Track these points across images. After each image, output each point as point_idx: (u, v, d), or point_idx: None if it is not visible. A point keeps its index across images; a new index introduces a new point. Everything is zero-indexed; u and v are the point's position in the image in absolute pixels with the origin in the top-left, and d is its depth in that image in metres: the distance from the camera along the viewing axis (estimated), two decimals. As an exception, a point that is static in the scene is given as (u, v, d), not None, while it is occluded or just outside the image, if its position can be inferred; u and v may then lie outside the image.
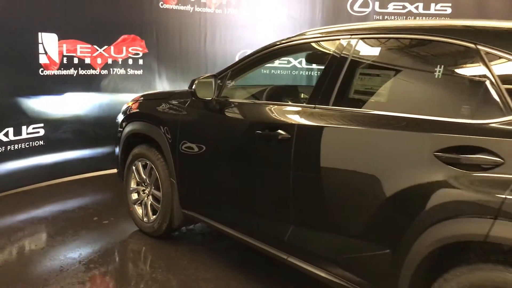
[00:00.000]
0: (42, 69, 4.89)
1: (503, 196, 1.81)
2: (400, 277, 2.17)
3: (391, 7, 6.56)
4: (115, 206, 4.50)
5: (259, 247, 2.91)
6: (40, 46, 4.84)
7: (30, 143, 4.93)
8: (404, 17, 6.49)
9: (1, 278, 3.10)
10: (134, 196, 3.97)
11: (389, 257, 2.21)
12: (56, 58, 4.99)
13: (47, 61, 4.91)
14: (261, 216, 2.92)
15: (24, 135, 4.85)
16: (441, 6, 6.38)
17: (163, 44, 5.97)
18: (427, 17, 6.43)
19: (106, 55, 5.47)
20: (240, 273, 3.30)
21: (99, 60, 5.42)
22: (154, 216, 3.75)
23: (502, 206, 1.81)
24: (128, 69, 5.72)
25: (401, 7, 6.53)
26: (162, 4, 5.89)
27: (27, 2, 4.65)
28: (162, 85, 6.02)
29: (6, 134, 4.67)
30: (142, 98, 4.05)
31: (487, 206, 1.85)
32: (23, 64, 4.72)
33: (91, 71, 5.37)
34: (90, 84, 5.37)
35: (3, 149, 4.66)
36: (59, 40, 4.98)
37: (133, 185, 3.98)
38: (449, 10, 6.36)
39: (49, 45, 4.91)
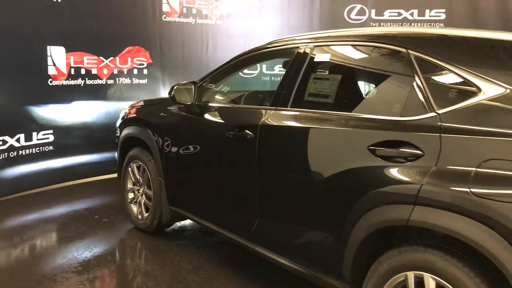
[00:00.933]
0: (51, 79, 5.28)
1: (421, 184, 2.03)
2: (344, 261, 2.40)
3: (387, 14, 6.76)
4: (116, 206, 4.82)
5: (232, 238, 3.17)
6: (49, 58, 5.24)
7: (41, 148, 5.32)
8: (398, 23, 6.68)
9: (14, 274, 3.41)
10: (130, 195, 4.28)
11: (334, 243, 2.44)
12: (64, 69, 5.38)
13: (55, 72, 5.30)
14: (233, 210, 3.18)
15: (34, 141, 5.24)
16: (435, 12, 6.55)
17: (166, 54, 6.32)
18: (422, 23, 6.60)
19: (112, 65, 5.84)
20: (221, 264, 3.56)
21: (105, 71, 5.79)
22: (147, 214, 4.05)
23: (419, 193, 2.03)
24: (134, 79, 6.07)
25: (396, 14, 6.72)
26: (165, 17, 6.24)
27: (36, 17, 5.05)
28: (167, 93, 6.33)
29: (18, 140, 5.07)
30: (137, 104, 4.37)
31: (408, 194, 2.07)
32: (33, 75, 5.12)
33: (98, 81, 5.74)
34: (96, 93, 5.75)
35: (15, 153, 5.05)
36: (66, 52, 5.37)
37: (129, 185, 4.29)
38: (443, 16, 6.52)
39: (57, 57, 5.30)
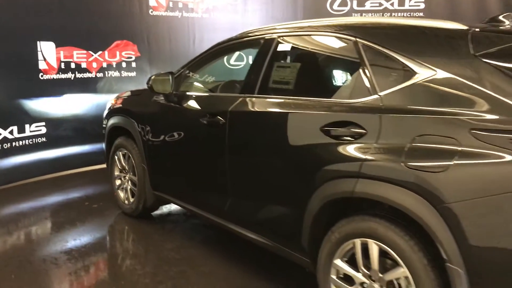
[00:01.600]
0: (42, 73, 5.49)
1: (363, 159, 2.26)
2: (302, 233, 2.63)
3: (368, 5, 6.95)
4: (105, 193, 5.03)
5: (209, 218, 3.41)
6: (39, 53, 5.45)
7: (33, 139, 5.54)
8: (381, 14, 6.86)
9: (11, 258, 3.63)
10: (117, 182, 4.51)
11: (294, 217, 2.66)
12: (54, 64, 5.59)
13: (46, 67, 5.52)
14: (208, 191, 3.41)
15: (27, 133, 5.46)
16: (415, 2, 6.73)
17: (154, 47, 6.52)
18: (402, 13, 6.79)
19: (101, 59, 6.05)
20: (202, 244, 3.80)
21: (94, 64, 6.00)
22: (133, 199, 4.28)
23: (361, 167, 2.26)
24: (122, 72, 6.28)
25: (377, 4, 6.91)
26: (152, 12, 6.45)
27: (27, 14, 5.24)
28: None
29: (11, 132, 5.29)
30: (123, 95, 4.59)
31: (353, 169, 2.30)
32: (24, 70, 5.33)
33: (88, 74, 5.95)
34: (87, 86, 5.96)
35: (8, 145, 5.27)
36: (56, 47, 5.57)
37: (116, 172, 4.52)
38: (422, 6, 6.71)
39: (47, 52, 5.51)
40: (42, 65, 5.49)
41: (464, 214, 1.92)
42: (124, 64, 6.28)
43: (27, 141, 5.48)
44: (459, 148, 1.96)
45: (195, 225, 4.24)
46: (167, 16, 6.58)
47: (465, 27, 2.27)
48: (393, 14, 6.82)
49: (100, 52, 6.03)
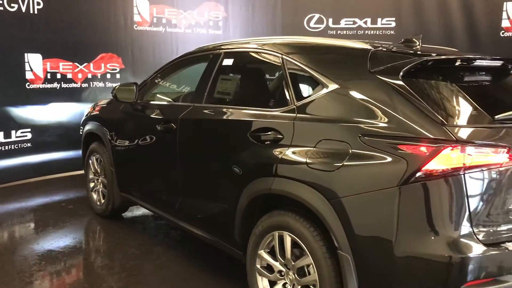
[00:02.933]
0: (29, 83, 5.87)
1: (278, 160, 2.58)
2: (235, 227, 2.94)
3: (343, 23, 7.32)
4: (83, 196, 5.35)
5: (163, 216, 3.73)
6: (27, 64, 5.83)
7: (19, 144, 5.90)
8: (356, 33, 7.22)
9: None
10: (91, 184, 4.85)
11: (229, 213, 2.98)
12: (40, 74, 5.97)
13: (32, 77, 5.89)
14: (163, 191, 3.73)
15: (13, 138, 5.83)
16: (387, 21, 7.10)
17: (138, 60, 6.90)
18: (375, 31, 7.15)
19: (86, 70, 6.43)
20: (161, 241, 4.12)
21: (79, 75, 6.38)
22: (104, 200, 4.61)
23: (277, 167, 2.59)
24: (107, 82, 6.65)
25: (352, 22, 7.28)
26: (136, 26, 6.84)
27: (15, 27, 5.63)
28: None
29: (-2, 137, 5.66)
30: (100, 103, 4.94)
31: (271, 169, 2.63)
32: (11, 79, 5.71)
33: (73, 85, 6.32)
34: (72, 95, 6.32)
35: (-5, 149, 5.64)
36: (43, 59, 5.96)
37: (90, 175, 4.86)
38: (393, 24, 7.07)
39: (34, 63, 5.90)
40: (29, 75, 5.87)
41: (350, 207, 2.24)
42: (108, 76, 6.65)
43: (13, 146, 5.84)
44: (350, 151, 2.28)
45: (159, 225, 4.55)
46: (151, 30, 6.97)
47: (368, 47, 2.61)
48: (366, 32, 7.18)
49: (85, 64, 6.41)
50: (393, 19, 7.06)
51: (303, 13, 7.38)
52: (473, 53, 2.76)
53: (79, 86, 6.39)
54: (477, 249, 2.06)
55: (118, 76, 6.74)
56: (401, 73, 2.33)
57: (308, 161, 2.43)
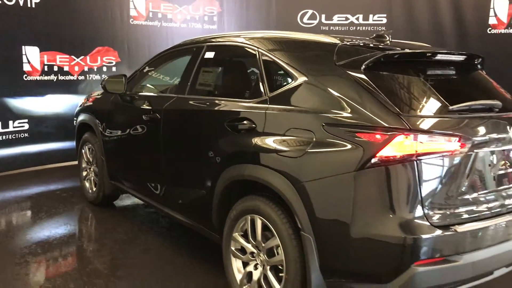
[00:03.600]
0: (26, 75, 6.04)
1: (251, 148, 2.74)
2: (212, 212, 3.10)
3: (335, 19, 7.45)
4: (78, 185, 5.53)
5: (149, 202, 3.90)
6: (24, 56, 6.00)
7: (16, 135, 6.08)
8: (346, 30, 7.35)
9: None
10: (84, 173, 5.02)
11: (207, 198, 3.14)
12: (38, 66, 6.14)
13: (30, 69, 6.07)
14: (148, 179, 3.89)
15: (11, 128, 6.00)
16: (378, 17, 7.23)
17: (134, 54, 7.05)
18: (366, 27, 7.27)
19: (83, 63, 6.60)
20: (149, 227, 4.29)
21: (76, 68, 6.55)
22: (95, 188, 4.79)
23: (249, 155, 2.75)
24: (103, 75, 6.80)
25: (344, 18, 7.41)
26: (132, 21, 6.99)
27: (12, 20, 5.80)
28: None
29: (-5, 127, 5.85)
30: (93, 94, 5.10)
31: (244, 156, 2.79)
32: (9, 71, 5.88)
33: (70, 77, 6.49)
34: (68, 87, 6.50)
35: (-8, 139, 5.82)
36: (40, 51, 6.13)
37: (83, 164, 5.03)
38: (384, 20, 7.20)
39: (32, 56, 6.07)
40: (26, 67, 6.04)
41: (312, 191, 2.39)
42: (104, 68, 6.82)
43: (10, 135, 6.02)
44: (314, 139, 2.43)
45: (149, 213, 4.72)
46: (146, 25, 7.13)
47: (336, 42, 2.75)
48: (358, 28, 7.30)
49: (82, 57, 6.58)
50: (385, 15, 7.18)
51: (296, 9, 7.51)
52: (440, 48, 2.91)
53: (75, 78, 6.56)
54: (427, 231, 2.21)
55: (114, 69, 6.90)
56: (363, 66, 2.48)
57: (276, 148, 2.58)
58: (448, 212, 2.31)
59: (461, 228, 2.28)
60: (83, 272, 3.37)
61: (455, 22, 6.77)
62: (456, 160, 2.33)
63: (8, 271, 3.37)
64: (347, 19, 7.40)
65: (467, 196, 2.39)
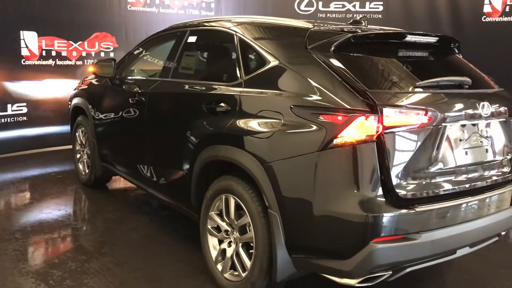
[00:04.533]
0: (24, 59, 6.16)
1: (225, 129, 2.83)
2: (191, 192, 3.20)
3: (332, 6, 7.47)
4: (73, 168, 5.67)
5: (135, 183, 4.02)
6: (22, 41, 6.12)
7: (15, 118, 6.21)
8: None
9: None
10: (78, 156, 5.14)
11: (187, 178, 3.24)
12: (36, 51, 6.26)
13: (28, 54, 6.18)
14: (134, 160, 3.99)
15: (9, 112, 6.14)
16: (374, 4, 7.24)
17: (131, 39, 7.11)
18: (363, 14, 7.27)
19: (81, 49, 6.71)
20: (137, 208, 4.42)
21: (74, 53, 6.65)
22: (88, 170, 4.91)
23: (223, 136, 2.84)
24: (101, 61, 6.90)
25: (341, 6, 7.43)
26: (130, 7, 7.08)
27: (10, 6, 5.91)
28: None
29: (-6, 110, 5.98)
30: (87, 78, 5.20)
31: (218, 137, 2.88)
32: (7, 56, 6.01)
33: (67, 62, 6.61)
34: (66, 72, 6.61)
35: (-9, 122, 5.97)
36: (38, 36, 6.24)
37: (77, 147, 5.15)
38: (381, 8, 7.20)
39: (30, 41, 6.18)
40: (24, 52, 6.16)
41: (278, 170, 2.48)
42: (102, 54, 6.91)
43: (9, 119, 6.15)
44: (282, 120, 2.51)
45: (139, 195, 4.84)
46: (144, 11, 7.21)
47: (309, 26, 2.81)
48: (355, 15, 7.32)
49: (80, 42, 6.69)
50: (381, 3, 7.19)
51: (294, -4, 7.54)
52: (411, 30, 2.94)
53: (73, 63, 6.67)
54: (385, 209, 2.29)
55: (111, 54, 6.98)
56: (332, 48, 2.55)
57: (247, 130, 2.67)
58: (407, 192, 2.37)
59: (420, 208, 2.35)
60: (68, 249, 3.50)
61: (451, 10, 6.78)
62: (422, 135, 2.38)
63: (-4, 247, 3.52)
64: (343, 6, 7.42)
65: (432, 174, 2.46)
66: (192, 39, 3.54)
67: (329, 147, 2.32)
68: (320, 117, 2.37)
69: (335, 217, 2.34)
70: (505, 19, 6.54)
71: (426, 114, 2.38)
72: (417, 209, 2.34)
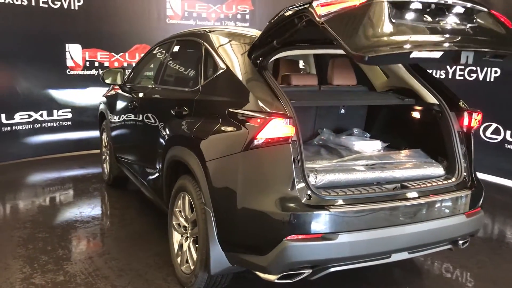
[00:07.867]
0: (69, 70, 6.81)
1: (181, 131, 3.06)
2: (164, 189, 3.46)
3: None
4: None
5: (133, 181, 4.35)
6: (67, 53, 6.77)
7: (60, 122, 6.86)
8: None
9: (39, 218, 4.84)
10: (103, 157, 5.61)
11: (159, 176, 3.50)
12: (80, 62, 6.89)
13: (73, 64, 6.82)
14: (133, 159, 4.34)
15: (55, 117, 6.80)
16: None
17: (170, 51, 7.58)
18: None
19: (122, 60, 7.26)
20: (141, 202, 4.74)
21: (116, 64, 7.21)
22: (107, 170, 5.35)
23: (178, 137, 3.07)
24: (141, 71, 7.42)
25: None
26: (169, 20, 7.55)
27: (57, 21, 6.56)
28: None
29: (41, 115, 6.65)
30: (112, 88, 5.66)
31: (175, 138, 3.12)
32: (54, 66, 6.67)
33: (110, 72, 7.16)
34: (108, 81, 7.17)
35: (38, 125, 6.63)
36: (82, 48, 6.87)
37: (102, 149, 5.62)
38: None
39: (74, 53, 6.82)
40: (69, 63, 6.80)
41: (212, 169, 2.66)
42: (142, 64, 7.41)
43: (54, 123, 6.81)
44: (219, 122, 2.70)
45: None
46: (182, 24, 7.63)
47: (257, 34, 2.97)
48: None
49: (121, 54, 7.24)
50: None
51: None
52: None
53: (115, 73, 7.21)
54: (299, 208, 2.39)
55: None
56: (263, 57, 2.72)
57: (194, 131, 2.88)
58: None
59: (336, 209, 2.42)
60: (63, 239, 3.88)
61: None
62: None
63: (5, 234, 3.99)
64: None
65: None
66: (176, 48, 3.82)
67: (250, 148, 2.47)
68: (246, 121, 2.53)
69: (255, 215, 2.47)
70: None
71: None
72: (332, 210, 2.40)
